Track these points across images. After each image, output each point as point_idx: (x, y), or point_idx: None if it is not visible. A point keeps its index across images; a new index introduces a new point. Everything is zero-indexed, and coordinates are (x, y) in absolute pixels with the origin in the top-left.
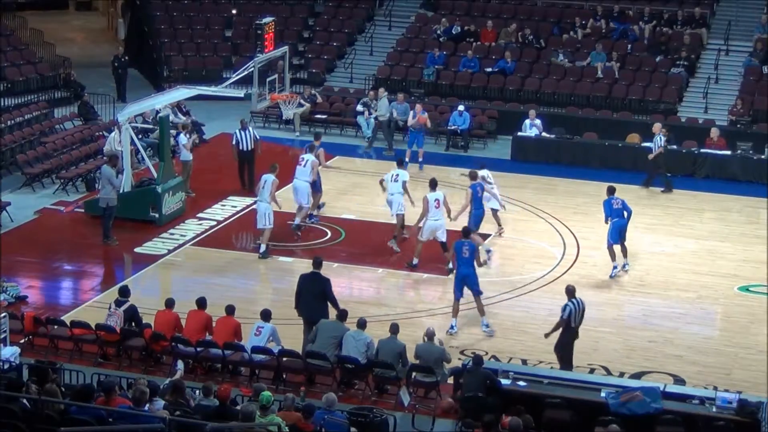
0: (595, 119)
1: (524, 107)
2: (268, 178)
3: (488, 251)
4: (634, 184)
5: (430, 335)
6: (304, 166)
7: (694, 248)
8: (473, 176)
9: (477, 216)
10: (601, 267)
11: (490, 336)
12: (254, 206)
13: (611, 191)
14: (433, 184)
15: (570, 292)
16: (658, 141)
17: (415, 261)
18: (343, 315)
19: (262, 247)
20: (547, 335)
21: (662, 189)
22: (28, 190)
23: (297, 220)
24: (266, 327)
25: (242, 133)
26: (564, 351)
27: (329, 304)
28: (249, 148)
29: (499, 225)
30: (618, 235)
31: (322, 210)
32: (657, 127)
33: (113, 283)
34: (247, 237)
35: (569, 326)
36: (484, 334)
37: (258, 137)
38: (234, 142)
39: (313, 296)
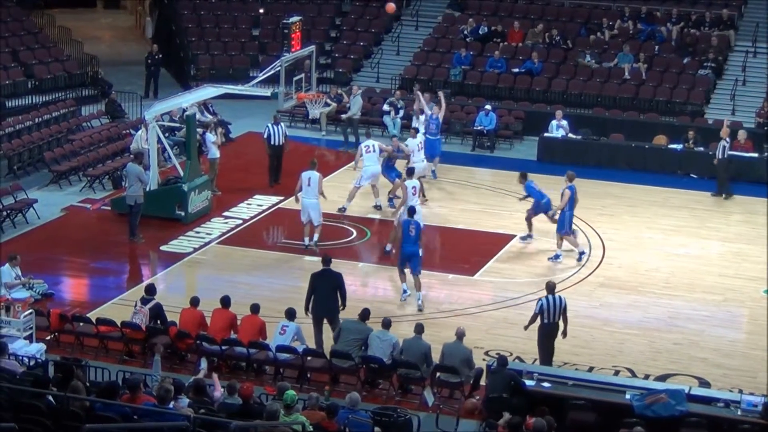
0: (622, 120)
1: (551, 108)
2: (313, 175)
3: (582, 253)
4: (660, 186)
5: (460, 335)
6: (374, 151)
7: (721, 250)
8: (571, 178)
9: (569, 217)
10: (627, 269)
11: (420, 311)
12: (280, 205)
13: (524, 176)
14: (410, 172)
15: (548, 288)
16: (725, 146)
17: (389, 247)
18: (365, 315)
19: (315, 238)
20: (525, 327)
21: (714, 192)
22: (55, 188)
23: (377, 200)
24: (291, 326)
25: (274, 127)
26: (541, 344)
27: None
28: (280, 143)
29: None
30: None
31: (346, 210)
32: (725, 131)
33: (139, 280)
34: (274, 235)
35: (543, 321)
36: (405, 301)
37: (287, 133)
38: (266, 136)
39: (328, 293)
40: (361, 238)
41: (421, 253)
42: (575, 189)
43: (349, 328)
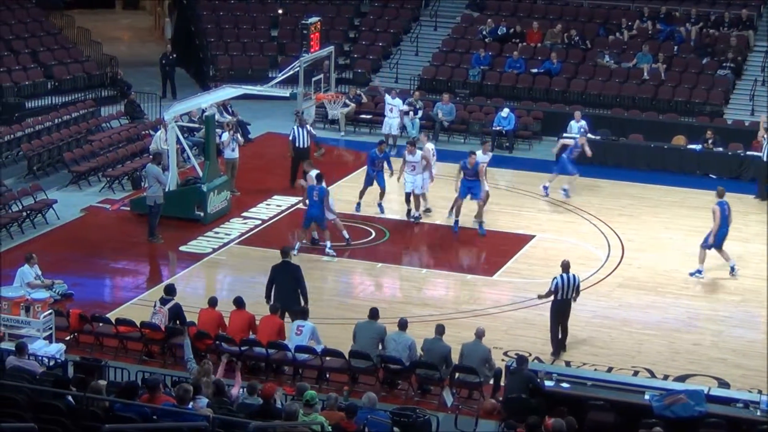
0: (641, 121)
1: (570, 108)
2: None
3: (733, 269)
4: (679, 186)
5: (479, 334)
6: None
7: (740, 251)
8: (721, 194)
9: (723, 234)
10: (646, 269)
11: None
12: (299, 205)
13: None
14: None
15: (563, 266)
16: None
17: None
18: (374, 314)
19: (345, 234)
20: (539, 296)
21: (756, 195)
22: (74, 188)
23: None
24: (306, 326)
25: (299, 129)
26: (553, 318)
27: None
28: (305, 145)
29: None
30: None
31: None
32: (763, 132)
33: (158, 281)
34: (293, 236)
35: (557, 298)
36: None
37: (314, 135)
38: (291, 138)
39: (287, 285)
40: (380, 239)
41: (326, 214)
42: (726, 204)
43: (363, 328)
